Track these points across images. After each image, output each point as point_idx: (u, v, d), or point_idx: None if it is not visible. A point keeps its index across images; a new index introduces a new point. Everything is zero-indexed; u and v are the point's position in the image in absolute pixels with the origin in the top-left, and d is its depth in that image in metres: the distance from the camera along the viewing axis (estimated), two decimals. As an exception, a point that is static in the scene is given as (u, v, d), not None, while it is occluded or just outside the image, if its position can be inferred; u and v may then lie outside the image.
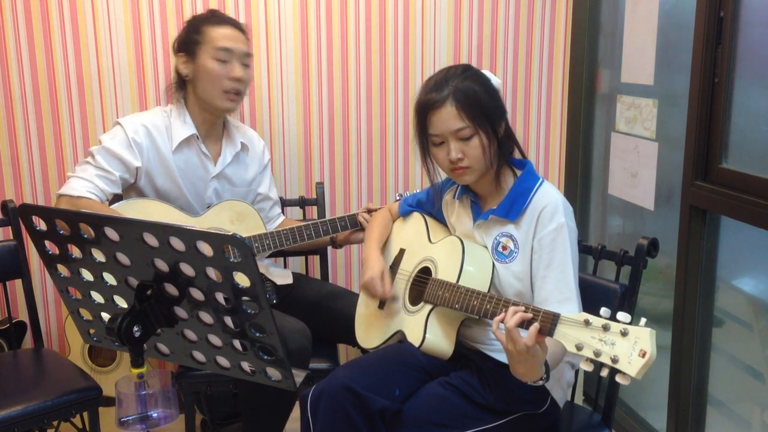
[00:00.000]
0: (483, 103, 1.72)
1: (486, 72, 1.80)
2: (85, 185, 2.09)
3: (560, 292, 1.70)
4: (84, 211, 1.41)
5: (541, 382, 1.56)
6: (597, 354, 1.39)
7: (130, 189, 2.22)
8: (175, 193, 2.22)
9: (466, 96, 1.70)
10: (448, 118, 1.71)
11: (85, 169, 2.12)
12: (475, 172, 1.76)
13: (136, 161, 2.15)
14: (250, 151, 2.36)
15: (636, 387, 2.67)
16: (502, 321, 1.54)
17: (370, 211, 2.27)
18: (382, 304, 1.99)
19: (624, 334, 1.37)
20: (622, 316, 1.40)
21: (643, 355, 1.34)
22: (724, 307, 2.21)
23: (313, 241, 2.33)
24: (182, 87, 2.23)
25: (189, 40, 2.19)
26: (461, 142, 1.72)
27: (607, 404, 1.93)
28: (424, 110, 1.74)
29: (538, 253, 1.73)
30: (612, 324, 1.39)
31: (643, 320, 1.39)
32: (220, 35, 2.16)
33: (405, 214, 2.10)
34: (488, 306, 1.63)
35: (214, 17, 2.21)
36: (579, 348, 1.42)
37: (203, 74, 2.16)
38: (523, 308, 1.53)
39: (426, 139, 1.78)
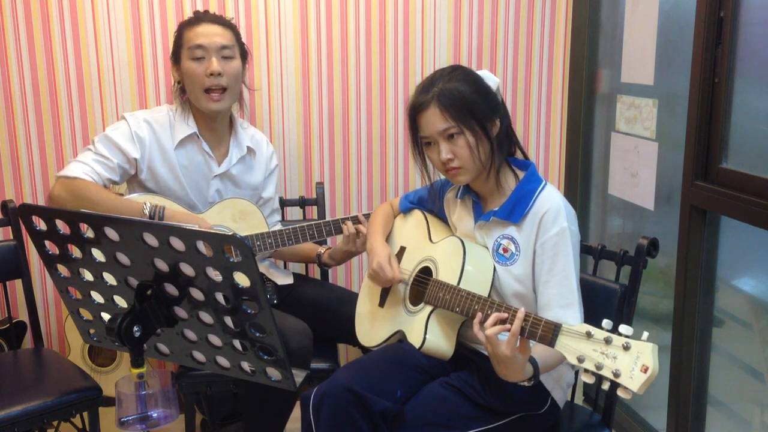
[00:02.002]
0: (468, 103, 1.72)
1: (482, 72, 1.80)
2: (81, 168, 2.12)
3: (563, 297, 1.70)
4: (84, 211, 1.41)
5: (526, 384, 1.56)
6: (599, 367, 1.39)
7: (134, 183, 2.24)
8: (177, 189, 2.23)
9: (450, 96, 1.71)
10: (433, 119, 1.72)
11: (85, 155, 2.16)
12: (467, 172, 1.76)
13: (135, 152, 2.16)
14: (257, 155, 2.36)
15: (636, 387, 2.67)
16: (481, 322, 1.56)
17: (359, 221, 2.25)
18: (382, 302, 1.99)
19: (626, 348, 1.37)
20: (624, 329, 1.39)
21: (645, 371, 1.33)
22: (724, 307, 2.21)
23: (305, 252, 2.37)
24: (183, 92, 2.26)
25: (175, 47, 2.23)
26: (449, 142, 1.73)
27: (607, 404, 1.93)
28: (413, 113, 1.77)
29: (541, 258, 1.73)
30: (614, 337, 1.39)
31: (646, 334, 1.38)
32: (193, 34, 2.17)
33: (406, 210, 2.09)
34: (489, 311, 1.62)
35: (193, 18, 2.23)
36: (581, 360, 1.41)
37: (186, 77, 2.19)
38: (506, 315, 1.55)
39: (419, 142, 1.79)
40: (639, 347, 1.36)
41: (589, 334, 1.42)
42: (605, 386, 1.40)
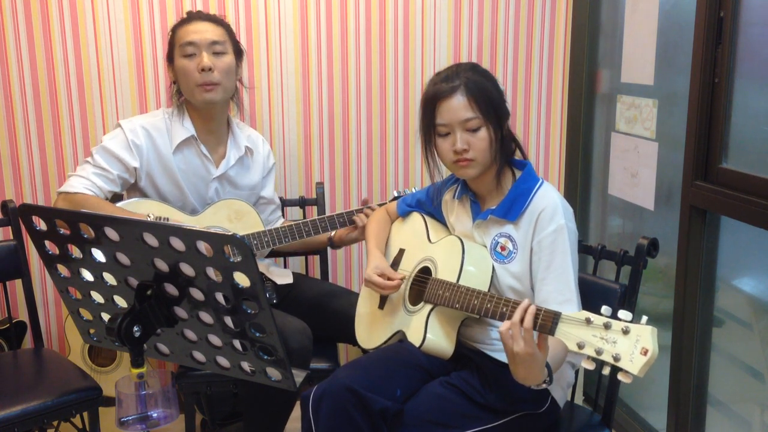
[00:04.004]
0: (493, 98, 1.75)
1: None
2: (82, 182, 2.13)
3: (560, 294, 1.70)
4: (84, 211, 1.41)
5: (543, 386, 1.56)
6: (599, 352, 1.39)
7: (134, 190, 2.24)
8: (176, 193, 2.23)
9: (478, 88, 1.73)
10: (458, 107, 1.73)
11: (84, 168, 2.17)
12: (478, 166, 1.76)
13: (134, 161, 2.17)
14: (255, 155, 2.37)
15: (636, 387, 2.67)
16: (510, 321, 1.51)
17: (368, 207, 2.26)
18: (382, 304, 1.99)
19: (625, 332, 1.37)
20: (623, 314, 1.40)
21: (645, 353, 1.34)
22: (724, 307, 2.21)
23: (312, 239, 2.33)
24: (180, 93, 2.27)
25: (169, 48, 2.25)
26: (468, 133, 1.74)
27: (607, 404, 1.93)
28: (434, 100, 1.76)
29: (538, 255, 1.73)
30: (613, 322, 1.39)
31: (644, 318, 1.39)
32: (184, 32, 2.18)
33: (404, 214, 2.10)
34: (488, 305, 1.63)
35: (185, 18, 2.24)
36: (581, 346, 1.42)
37: (179, 75, 2.20)
38: (535, 307, 1.51)
39: (431, 132, 1.79)
40: (638, 330, 1.36)
41: (588, 321, 1.42)
42: (606, 371, 1.40)
